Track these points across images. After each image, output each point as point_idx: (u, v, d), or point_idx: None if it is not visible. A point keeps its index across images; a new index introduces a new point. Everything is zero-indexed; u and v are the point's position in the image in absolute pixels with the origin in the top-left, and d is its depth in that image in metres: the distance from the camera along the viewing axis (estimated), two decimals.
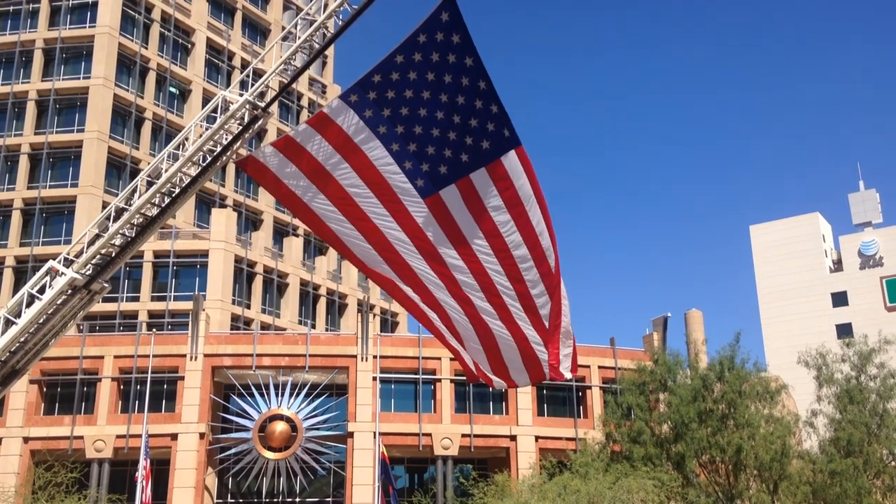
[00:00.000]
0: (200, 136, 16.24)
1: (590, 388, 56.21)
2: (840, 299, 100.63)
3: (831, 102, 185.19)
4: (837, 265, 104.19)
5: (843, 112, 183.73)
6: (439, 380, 54.20)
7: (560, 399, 56.57)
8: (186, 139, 16.43)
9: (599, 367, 56.77)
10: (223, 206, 72.37)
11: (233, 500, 53.74)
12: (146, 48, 71.91)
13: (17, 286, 61.50)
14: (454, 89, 12.50)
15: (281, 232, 78.03)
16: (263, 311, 69.09)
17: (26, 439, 50.83)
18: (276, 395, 52.81)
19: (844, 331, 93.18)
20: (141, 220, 16.63)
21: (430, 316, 13.65)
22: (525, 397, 54.63)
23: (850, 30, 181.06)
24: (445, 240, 12.98)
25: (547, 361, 13.33)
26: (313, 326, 71.64)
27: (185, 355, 52.33)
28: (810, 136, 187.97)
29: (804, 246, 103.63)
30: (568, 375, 13.48)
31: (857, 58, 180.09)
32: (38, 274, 16.97)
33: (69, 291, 16.80)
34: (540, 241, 12.78)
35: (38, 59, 69.36)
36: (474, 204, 12.75)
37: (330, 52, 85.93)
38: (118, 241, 16.73)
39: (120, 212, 16.65)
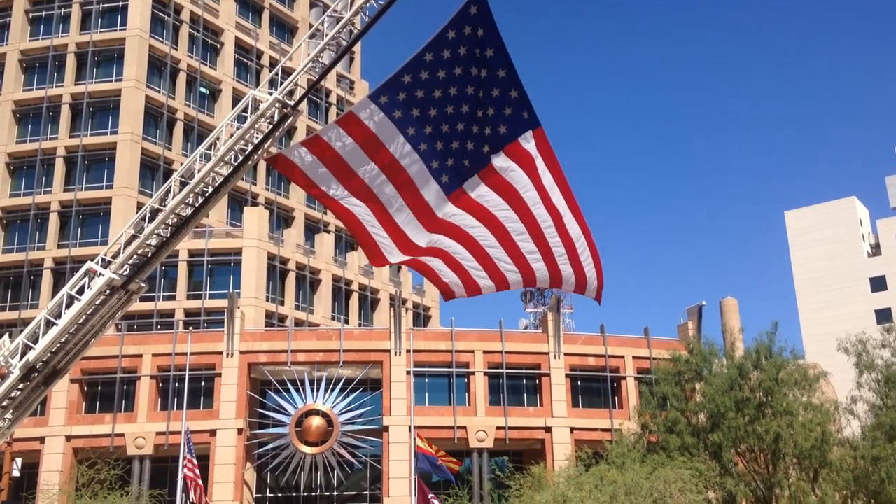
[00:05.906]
0: (231, 135, 16.42)
1: (624, 378, 55.92)
2: (879, 284, 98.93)
3: (866, 85, 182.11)
4: (875, 250, 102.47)
5: (878, 95, 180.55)
6: (473, 373, 54.28)
7: (595, 390, 56.35)
8: (218, 139, 16.63)
9: (634, 358, 56.43)
10: (255, 204, 73.02)
11: (271, 495, 54.32)
12: (176, 49, 72.65)
13: (56, 288, 62.58)
14: (480, 81, 12.73)
15: (312, 228, 78.54)
16: (297, 308, 69.62)
17: (69, 438, 51.82)
18: (312, 390, 53.27)
19: (884, 316, 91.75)
20: (175, 219, 16.87)
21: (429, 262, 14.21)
22: (559, 388, 54.51)
23: (884, 13, 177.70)
24: (471, 217, 13.55)
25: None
26: (346, 322, 72.05)
27: (221, 352, 52.95)
28: (845, 119, 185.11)
29: (841, 231, 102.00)
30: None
31: (892, 41, 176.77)
32: (77, 275, 17.28)
33: (107, 292, 17.09)
34: (556, 206, 13.36)
35: (70, 63, 70.38)
36: (495, 181, 13.33)
37: (357, 48, 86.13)
38: (154, 241, 16.99)
39: (155, 212, 16.90)
